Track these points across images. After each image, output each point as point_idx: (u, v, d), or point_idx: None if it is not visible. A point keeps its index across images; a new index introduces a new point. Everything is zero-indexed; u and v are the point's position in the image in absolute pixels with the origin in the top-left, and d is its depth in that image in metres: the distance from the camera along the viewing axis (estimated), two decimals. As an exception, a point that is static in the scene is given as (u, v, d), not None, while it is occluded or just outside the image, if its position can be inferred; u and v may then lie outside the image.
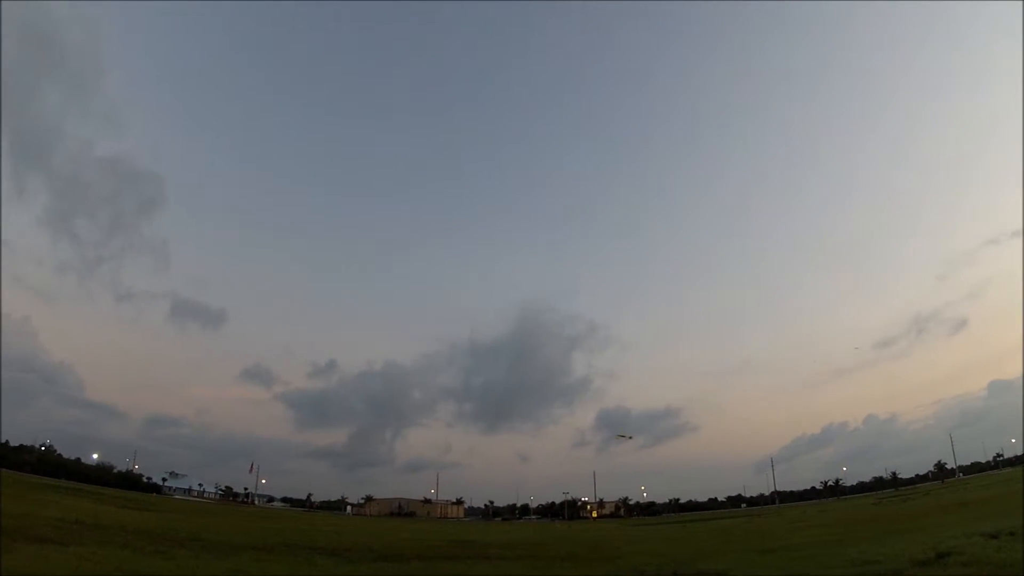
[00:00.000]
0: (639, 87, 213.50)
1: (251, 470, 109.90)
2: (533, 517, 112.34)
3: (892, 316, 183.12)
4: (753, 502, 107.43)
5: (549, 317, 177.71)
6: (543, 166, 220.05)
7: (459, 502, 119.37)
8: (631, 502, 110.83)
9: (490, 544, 27.87)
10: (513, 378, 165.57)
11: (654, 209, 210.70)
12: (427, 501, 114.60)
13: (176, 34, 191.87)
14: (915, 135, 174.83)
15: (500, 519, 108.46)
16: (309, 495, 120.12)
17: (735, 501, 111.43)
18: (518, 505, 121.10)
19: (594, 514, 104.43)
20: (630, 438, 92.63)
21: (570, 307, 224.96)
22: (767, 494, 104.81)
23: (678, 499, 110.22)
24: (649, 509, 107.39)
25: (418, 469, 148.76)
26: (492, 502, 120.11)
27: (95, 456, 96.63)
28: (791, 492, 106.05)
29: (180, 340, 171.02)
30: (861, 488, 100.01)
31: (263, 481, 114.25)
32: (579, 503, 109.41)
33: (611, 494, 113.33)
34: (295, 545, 21.04)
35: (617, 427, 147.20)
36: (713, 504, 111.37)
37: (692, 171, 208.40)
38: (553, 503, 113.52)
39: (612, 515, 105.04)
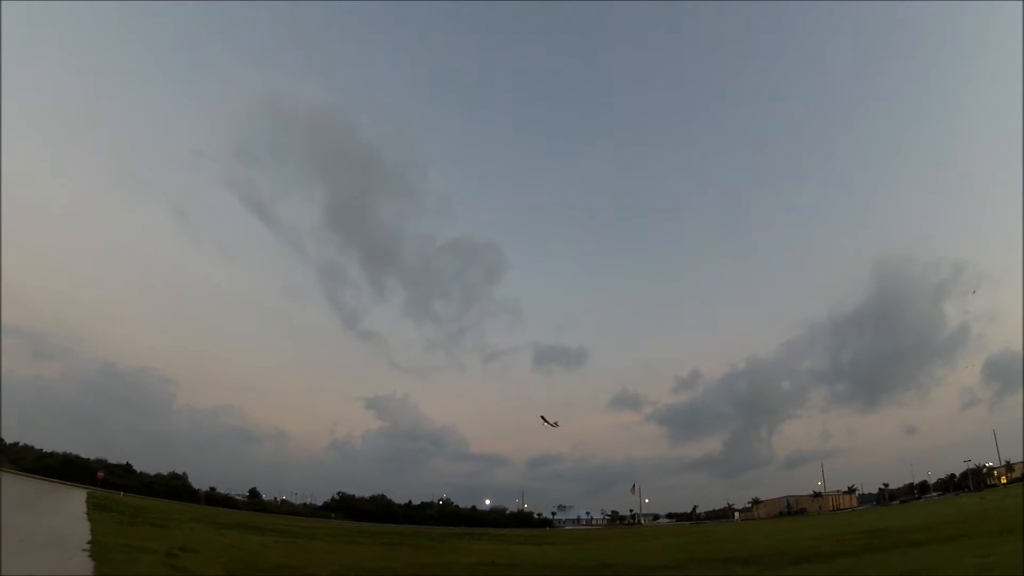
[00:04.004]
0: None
1: (632, 491, 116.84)
2: (934, 494, 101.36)
3: None
4: None
5: (909, 269, 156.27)
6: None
7: (851, 491, 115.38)
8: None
9: (907, 529, 25.63)
10: (882, 346, 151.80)
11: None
12: (816, 495, 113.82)
13: (480, 101, 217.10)
14: None
15: (898, 502, 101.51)
16: (694, 507, 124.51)
17: None
18: (915, 483, 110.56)
19: (1003, 479, 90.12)
20: (556, 425, 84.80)
21: (929, 252, 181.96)
22: None
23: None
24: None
25: (800, 463, 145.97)
26: (887, 485, 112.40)
27: (487, 502, 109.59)
28: None
29: (547, 383, 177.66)
30: None
31: (646, 500, 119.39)
32: (984, 470, 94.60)
33: (1018, 454, 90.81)
34: (705, 559, 20.71)
35: (1009, 375, 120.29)
36: None
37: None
38: (952, 475, 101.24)
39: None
